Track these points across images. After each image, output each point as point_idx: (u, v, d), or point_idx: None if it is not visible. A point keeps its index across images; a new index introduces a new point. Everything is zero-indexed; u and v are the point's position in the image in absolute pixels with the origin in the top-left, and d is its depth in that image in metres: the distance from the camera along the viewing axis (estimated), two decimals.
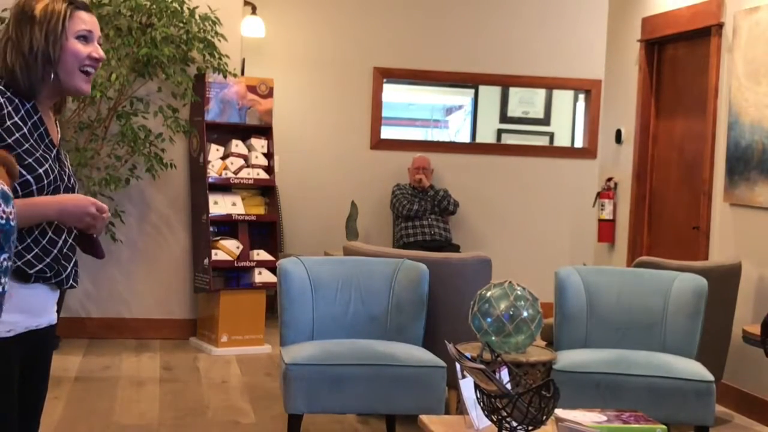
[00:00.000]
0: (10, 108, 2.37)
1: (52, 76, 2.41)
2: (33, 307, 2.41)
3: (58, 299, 2.52)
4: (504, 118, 10.16)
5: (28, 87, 2.40)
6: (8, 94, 2.38)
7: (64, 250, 2.45)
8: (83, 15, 2.47)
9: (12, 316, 2.34)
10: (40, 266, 2.38)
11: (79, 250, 2.54)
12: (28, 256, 2.35)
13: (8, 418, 2.36)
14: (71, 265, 2.48)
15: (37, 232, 2.37)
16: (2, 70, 2.41)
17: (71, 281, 2.49)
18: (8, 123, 2.35)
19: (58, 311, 2.58)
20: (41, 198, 2.37)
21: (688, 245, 6.35)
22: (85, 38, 2.46)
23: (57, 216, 2.39)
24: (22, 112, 2.39)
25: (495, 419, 2.75)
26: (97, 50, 2.48)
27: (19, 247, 2.34)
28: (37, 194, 2.36)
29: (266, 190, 7.05)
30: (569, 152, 9.27)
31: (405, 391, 4.41)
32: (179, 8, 6.49)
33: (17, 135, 2.36)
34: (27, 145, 2.37)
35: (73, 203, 2.40)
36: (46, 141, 2.43)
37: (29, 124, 2.40)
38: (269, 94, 6.99)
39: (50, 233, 2.40)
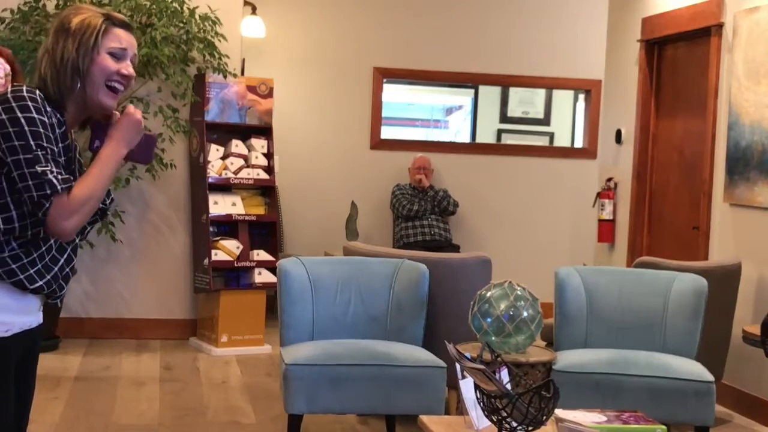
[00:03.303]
0: (55, 120, 2.39)
1: (78, 86, 2.41)
2: (27, 309, 2.44)
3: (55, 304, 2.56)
4: (504, 118, 10.16)
5: (57, 97, 2.41)
6: (52, 108, 2.39)
7: (66, 270, 2.48)
8: (119, 32, 2.47)
9: (9, 316, 2.39)
10: (40, 283, 2.40)
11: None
12: (31, 271, 2.38)
13: (6, 413, 2.40)
14: (67, 285, 2.51)
15: (44, 248, 2.40)
16: (37, 80, 2.44)
17: (57, 300, 2.52)
18: (56, 132, 2.38)
19: (58, 313, 2.61)
20: (102, 154, 2.43)
21: (688, 245, 6.35)
22: (116, 56, 2.45)
23: (125, 146, 2.45)
24: (64, 127, 2.41)
25: (495, 419, 2.75)
26: (127, 67, 2.47)
27: (24, 261, 2.36)
28: None
29: (266, 190, 7.05)
30: (569, 152, 9.27)
31: (405, 391, 4.41)
32: (179, 8, 6.50)
33: (58, 147, 2.38)
34: (61, 160, 2.39)
35: (126, 130, 2.46)
36: (70, 155, 2.45)
37: (62, 138, 2.41)
38: (269, 94, 6.99)
39: (54, 252, 2.43)
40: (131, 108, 2.48)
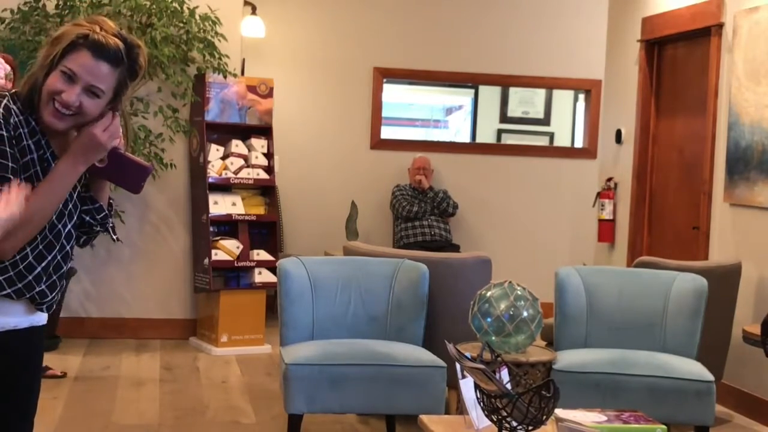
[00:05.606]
0: (26, 129, 2.32)
1: (35, 98, 2.33)
2: (4, 309, 2.38)
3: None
4: (504, 118, 10.16)
5: (25, 103, 2.35)
6: (26, 114, 2.33)
7: (51, 278, 2.40)
8: (84, 55, 2.30)
9: None
10: (8, 291, 2.34)
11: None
12: (0, 278, 2.32)
13: None
14: (53, 293, 2.43)
15: (17, 257, 2.33)
16: (25, 85, 2.37)
17: (44, 308, 2.43)
18: (24, 143, 2.31)
19: (58, 313, 2.57)
20: (54, 171, 2.31)
21: (688, 245, 6.35)
22: (68, 77, 2.30)
23: (82, 163, 2.32)
24: (38, 136, 2.35)
25: (495, 419, 2.75)
26: (69, 94, 2.29)
27: None
28: None
29: (266, 190, 7.05)
30: (569, 152, 9.27)
31: (405, 391, 4.41)
32: (179, 8, 6.50)
33: (28, 157, 2.32)
34: (31, 171, 2.33)
35: (82, 146, 2.32)
36: (45, 165, 2.38)
37: (35, 147, 2.34)
38: (269, 94, 6.99)
39: (30, 259, 2.35)
40: (96, 125, 2.32)
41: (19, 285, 2.35)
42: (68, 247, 2.44)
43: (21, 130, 2.31)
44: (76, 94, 2.30)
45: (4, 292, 2.33)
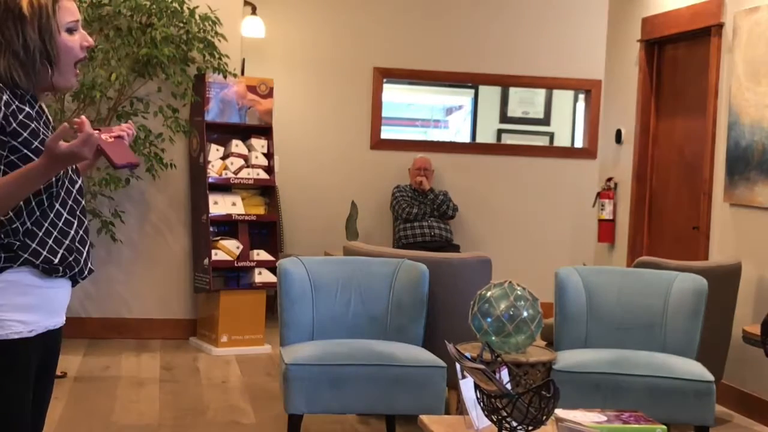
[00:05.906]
0: (19, 103, 2.30)
1: (51, 73, 2.33)
2: (53, 306, 2.39)
3: None
4: (504, 118, 10.16)
5: (27, 87, 2.33)
6: (6, 96, 2.30)
7: (76, 242, 2.40)
8: (66, 3, 2.35)
9: (33, 315, 2.33)
10: (62, 251, 2.33)
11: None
12: (44, 252, 2.31)
13: (24, 417, 2.36)
14: (84, 255, 2.43)
15: (47, 224, 2.32)
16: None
17: (88, 269, 2.46)
18: (20, 117, 2.28)
19: None
20: (27, 167, 2.24)
21: (688, 245, 6.35)
22: (73, 30, 2.36)
23: (63, 167, 2.28)
24: (27, 106, 2.33)
25: (495, 419, 2.75)
26: (85, 38, 2.38)
27: (33, 245, 2.29)
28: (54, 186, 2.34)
29: (266, 190, 7.06)
30: (569, 152, 9.27)
31: (405, 391, 4.41)
32: (179, 8, 6.50)
33: (32, 126, 2.30)
34: (42, 137, 2.31)
35: (67, 162, 2.26)
36: (50, 129, 2.40)
37: (34, 113, 2.34)
38: (269, 94, 6.99)
39: (60, 224, 2.35)
40: (78, 145, 2.22)
41: (62, 250, 2.33)
42: (79, 206, 2.44)
43: (10, 107, 2.28)
44: (86, 35, 2.40)
45: (59, 255, 2.33)
